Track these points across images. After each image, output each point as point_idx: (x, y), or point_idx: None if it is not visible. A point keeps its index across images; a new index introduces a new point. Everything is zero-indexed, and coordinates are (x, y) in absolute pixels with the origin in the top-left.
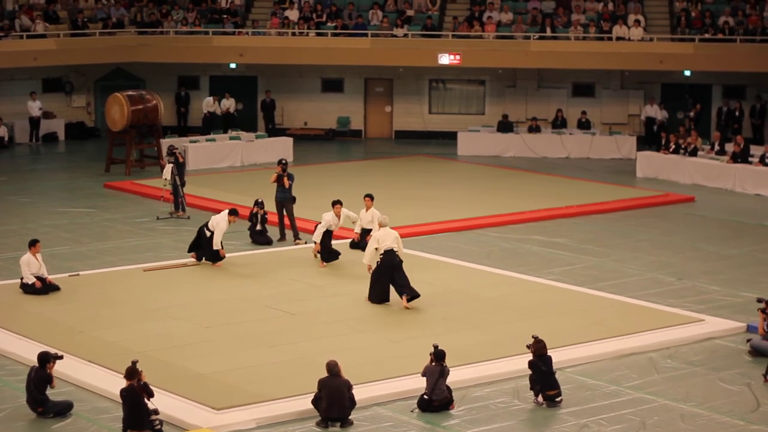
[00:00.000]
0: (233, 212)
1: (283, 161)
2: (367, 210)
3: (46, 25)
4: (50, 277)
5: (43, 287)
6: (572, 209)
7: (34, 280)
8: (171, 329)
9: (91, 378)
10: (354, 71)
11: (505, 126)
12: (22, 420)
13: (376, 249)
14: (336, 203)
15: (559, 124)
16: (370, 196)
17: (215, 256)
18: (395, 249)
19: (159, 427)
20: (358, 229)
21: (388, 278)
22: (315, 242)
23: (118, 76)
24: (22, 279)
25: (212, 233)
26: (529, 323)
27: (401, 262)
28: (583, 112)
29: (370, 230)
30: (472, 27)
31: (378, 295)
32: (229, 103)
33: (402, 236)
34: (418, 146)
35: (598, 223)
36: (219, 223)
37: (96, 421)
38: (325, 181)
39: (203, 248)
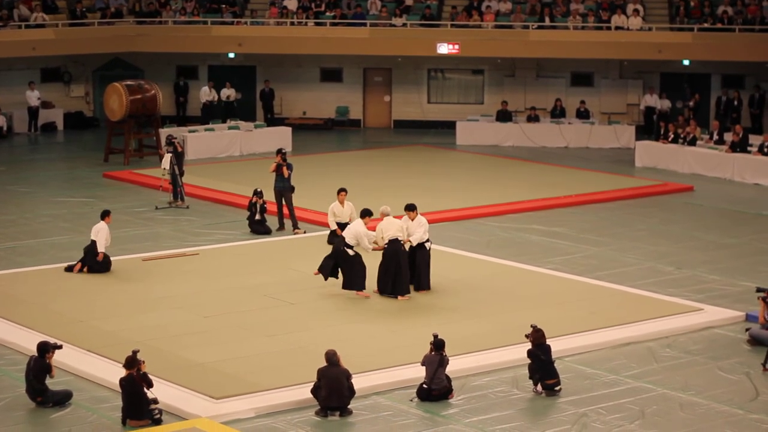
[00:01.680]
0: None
1: (283, 150)
2: (342, 204)
3: (44, 15)
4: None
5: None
6: (571, 198)
7: (103, 251)
8: (170, 319)
9: (90, 367)
10: (353, 61)
11: (504, 115)
12: (22, 409)
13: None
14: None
15: (557, 113)
16: (344, 190)
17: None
18: (399, 238)
19: (158, 416)
20: (333, 226)
21: (394, 268)
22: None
23: (116, 66)
24: (94, 248)
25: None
26: (528, 312)
27: (405, 252)
28: (582, 102)
29: (346, 224)
30: (470, 16)
31: (387, 287)
32: (229, 92)
33: None
34: (417, 136)
35: (597, 212)
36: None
37: (95, 411)
38: (324, 171)
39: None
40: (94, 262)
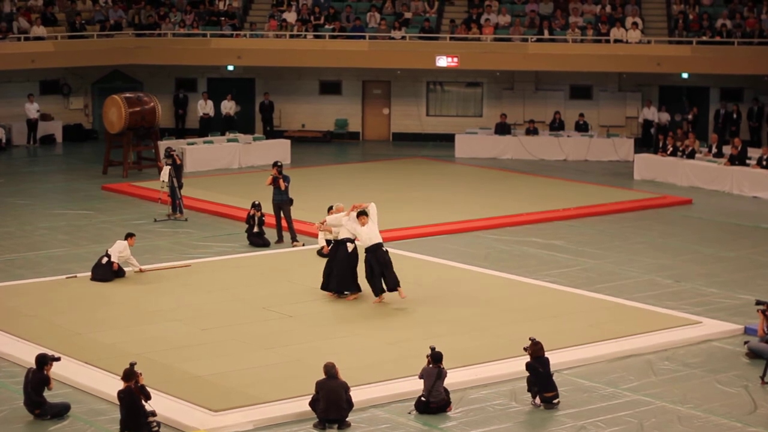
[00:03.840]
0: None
1: (278, 163)
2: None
3: (43, 28)
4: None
5: (113, 272)
6: (570, 211)
7: (116, 261)
8: (168, 331)
9: (88, 380)
10: (352, 73)
11: (503, 128)
12: (20, 422)
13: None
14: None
15: (556, 126)
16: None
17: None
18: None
19: (156, 428)
20: (322, 242)
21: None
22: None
23: (115, 79)
24: (103, 258)
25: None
26: (526, 325)
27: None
28: (581, 115)
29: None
30: (469, 29)
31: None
32: (230, 105)
33: (399, 238)
34: (416, 148)
35: (595, 225)
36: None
37: (93, 423)
38: (323, 184)
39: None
40: (98, 270)
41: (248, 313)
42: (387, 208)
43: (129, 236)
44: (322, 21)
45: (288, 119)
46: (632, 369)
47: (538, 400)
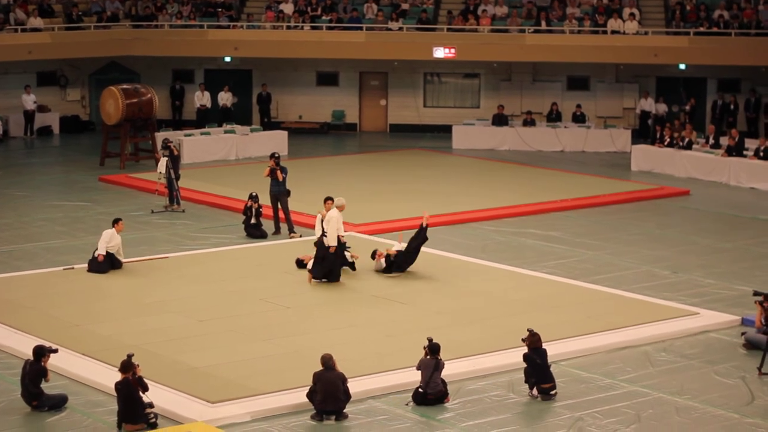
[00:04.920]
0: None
1: (276, 155)
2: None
3: (40, 19)
4: (125, 260)
5: (107, 263)
6: (567, 202)
7: (103, 253)
8: (165, 323)
9: (85, 371)
10: (349, 65)
11: (500, 119)
12: (17, 413)
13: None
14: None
15: (554, 117)
16: (330, 199)
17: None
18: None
19: (154, 420)
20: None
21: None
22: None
23: (112, 70)
24: (94, 253)
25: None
26: (523, 316)
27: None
28: (578, 106)
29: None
30: (467, 20)
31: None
32: (227, 96)
33: (396, 229)
34: (413, 140)
35: (593, 216)
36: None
37: (91, 415)
38: (320, 175)
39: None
40: (94, 262)
41: (245, 305)
42: (384, 200)
43: (115, 222)
44: (319, 12)
45: (285, 110)
46: (629, 360)
47: (535, 391)
